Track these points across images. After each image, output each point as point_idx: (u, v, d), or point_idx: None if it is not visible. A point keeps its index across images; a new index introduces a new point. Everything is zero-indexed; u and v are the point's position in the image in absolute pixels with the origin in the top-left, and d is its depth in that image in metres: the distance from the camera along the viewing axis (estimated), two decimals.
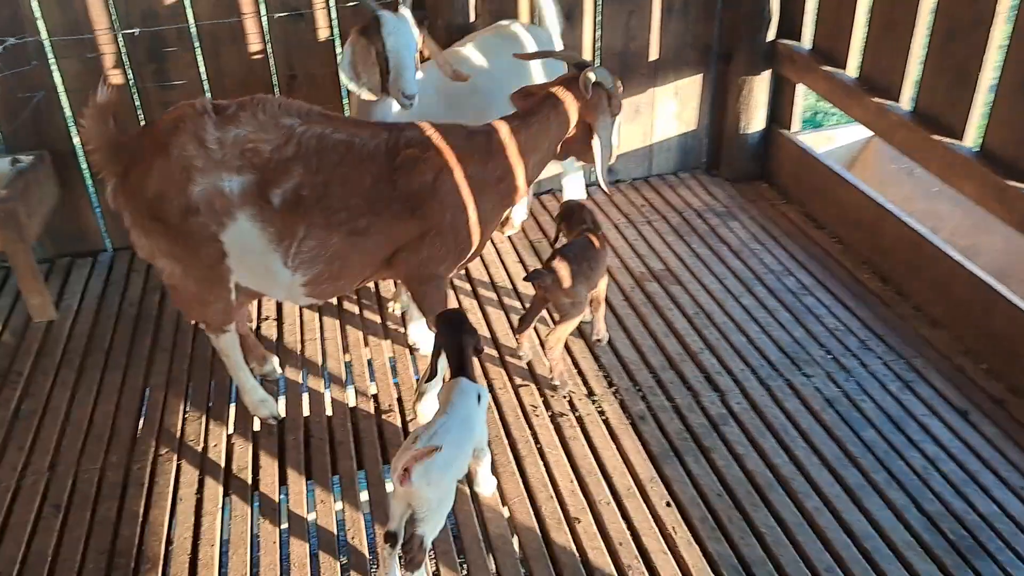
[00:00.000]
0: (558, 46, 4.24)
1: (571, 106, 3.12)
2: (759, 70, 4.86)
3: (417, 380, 3.48)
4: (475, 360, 2.97)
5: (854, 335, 3.81)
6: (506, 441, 3.25)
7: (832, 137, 5.22)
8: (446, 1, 4.36)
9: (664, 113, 5.12)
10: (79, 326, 3.98)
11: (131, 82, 4.27)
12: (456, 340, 2.86)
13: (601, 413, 3.40)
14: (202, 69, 4.37)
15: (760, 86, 4.90)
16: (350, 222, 2.94)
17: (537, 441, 3.26)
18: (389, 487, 2.55)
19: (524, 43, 4.03)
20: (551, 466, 3.14)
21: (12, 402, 3.50)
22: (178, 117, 2.79)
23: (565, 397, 3.47)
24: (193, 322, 3.84)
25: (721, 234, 4.63)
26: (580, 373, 3.62)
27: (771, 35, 4.78)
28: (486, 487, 3.03)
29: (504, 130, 3.10)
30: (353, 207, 2.93)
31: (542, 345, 3.56)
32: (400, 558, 2.54)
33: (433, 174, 2.99)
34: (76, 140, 4.37)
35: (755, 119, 5.00)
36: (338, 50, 4.46)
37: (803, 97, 4.98)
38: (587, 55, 4.83)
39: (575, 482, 3.08)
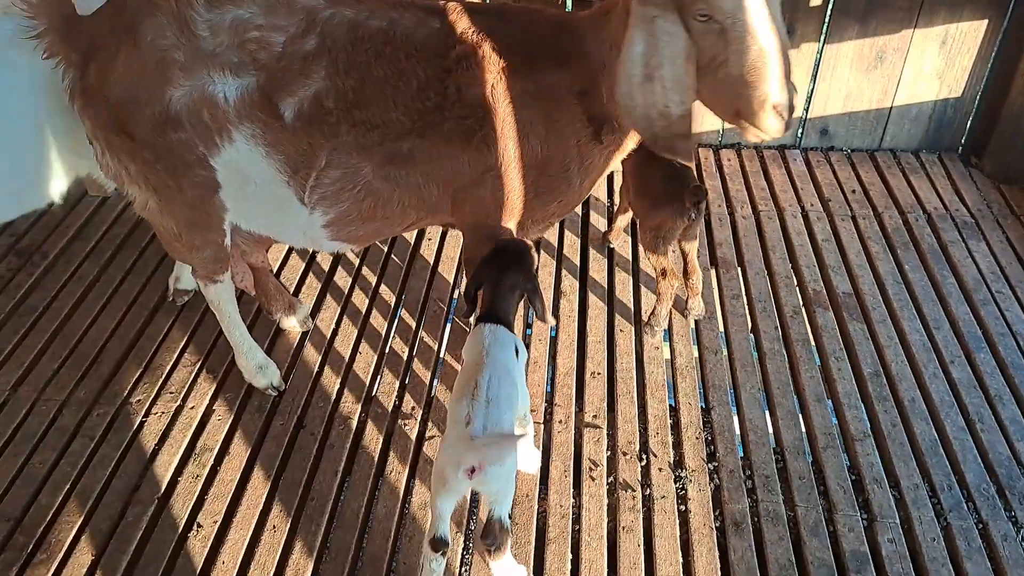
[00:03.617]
0: None
1: None
2: None
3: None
4: (519, 309, 2.25)
5: None
6: (536, 506, 2.35)
7: None
8: None
9: (919, 67, 3.67)
10: (130, 210, 3.46)
11: None
12: (503, 277, 2.11)
13: (682, 499, 2.39)
14: None
15: None
16: (388, 144, 2.10)
17: (577, 521, 2.33)
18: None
19: None
20: (581, 570, 2.21)
21: (20, 291, 3.06)
22: None
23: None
24: None
25: (954, 257, 3.26)
26: (675, 427, 2.60)
27: None
28: (530, 463, 2.40)
29: (579, 24, 2.11)
30: (393, 124, 2.08)
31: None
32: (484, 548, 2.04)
33: (491, 83, 2.06)
34: None
35: None
36: None
37: None
38: None
39: None
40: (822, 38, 3.60)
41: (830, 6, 3.54)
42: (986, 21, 3.54)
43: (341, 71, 2.04)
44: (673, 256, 2.80)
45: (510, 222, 2.28)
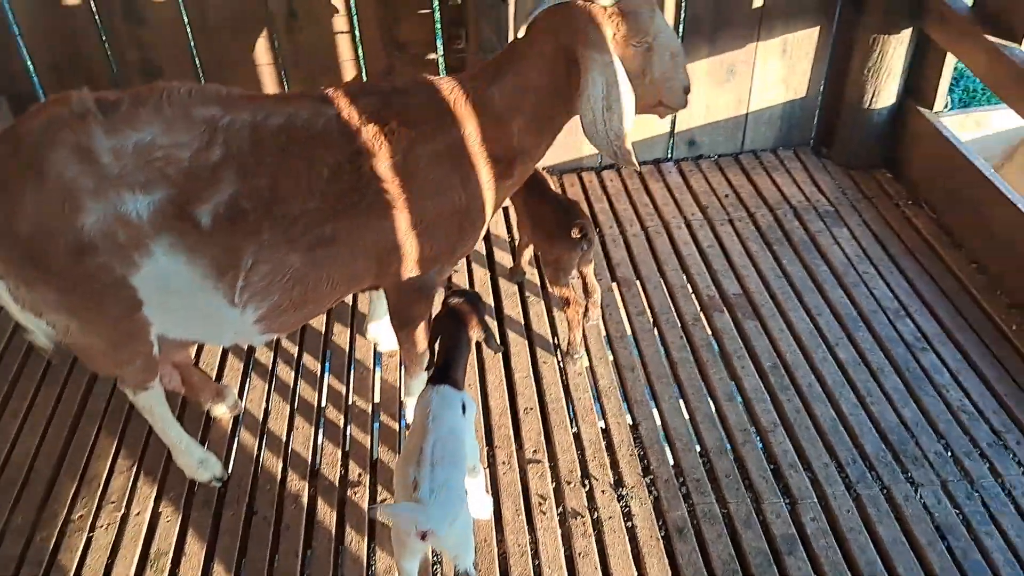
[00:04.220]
0: None
1: (551, 42, 2.25)
2: (898, 27, 3.69)
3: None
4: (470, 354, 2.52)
5: (986, 422, 2.83)
6: (496, 550, 2.49)
7: (982, 121, 4.01)
8: None
9: (767, 75, 4.02)
10: None
11: (97, 19, 3.50)
12: (458, 335, 2.35)
13: (627, 515, 2.58)
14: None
15: (897, 48, 3.73)
16: (311, 232, 2.20)
17: (536, 556, 2.48)
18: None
19: None
20: None
21: None
22: (49, 123, 2.01)
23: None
24: None
25: (822, 246, 3.61)
26: (609, 447, 2.80)
27: None
28: (482, 510, 2.52)
29: (469, 84, 2.34)
30: (314, 212, 2.19)
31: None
32: None
33: (402, 152, 2.23)
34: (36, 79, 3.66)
35: (885, 90, 3.85)
36: None
37: (953, 68, 3.79)
38: (669, 2, 3.75)
39: None
40: None
41: (681, 29, 3.82)
42: (818, 28, 3.92)
43: (250, 173, 2.11)
44: (575, 281, 3.01)
45: (432, 270, 2.46)
